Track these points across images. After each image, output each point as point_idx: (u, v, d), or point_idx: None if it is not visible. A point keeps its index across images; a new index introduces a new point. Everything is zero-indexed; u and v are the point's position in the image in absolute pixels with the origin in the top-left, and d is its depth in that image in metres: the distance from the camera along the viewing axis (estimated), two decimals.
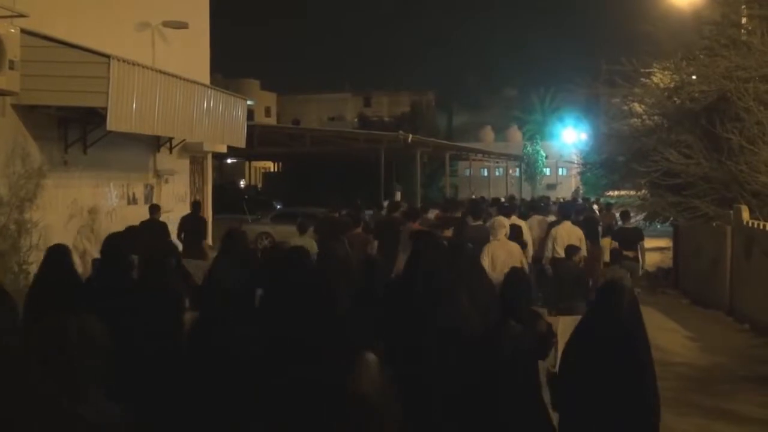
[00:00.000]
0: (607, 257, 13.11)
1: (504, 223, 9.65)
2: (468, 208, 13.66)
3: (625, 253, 12.27)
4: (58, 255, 5.72)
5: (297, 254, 5.06)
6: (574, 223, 12.23)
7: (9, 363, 2.93)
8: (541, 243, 12.17)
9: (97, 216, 11.92)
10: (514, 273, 4.74)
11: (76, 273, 5.92)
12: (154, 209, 13.10)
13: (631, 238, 13.14)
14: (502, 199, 21.36)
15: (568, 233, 11.33)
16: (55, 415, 2.60)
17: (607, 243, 13.55)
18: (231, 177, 50.67)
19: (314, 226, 10.64)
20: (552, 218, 13.99)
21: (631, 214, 15.50)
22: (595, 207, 21.46)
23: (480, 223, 10.64)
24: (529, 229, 12.25)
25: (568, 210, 13.62)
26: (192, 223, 13.66)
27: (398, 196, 26.68)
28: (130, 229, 8.51)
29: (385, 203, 17.30)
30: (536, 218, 13.85)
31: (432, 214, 15.24)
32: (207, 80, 18.35)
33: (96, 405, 2.67)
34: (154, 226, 12.09)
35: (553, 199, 31.49)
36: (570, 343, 4.21)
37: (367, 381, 2.69)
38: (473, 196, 31.26)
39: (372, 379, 2.70)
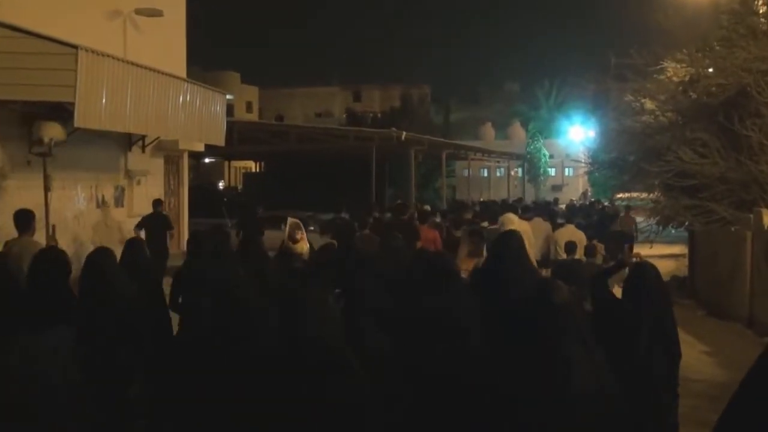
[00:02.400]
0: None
1: (513, 219, 10.55)
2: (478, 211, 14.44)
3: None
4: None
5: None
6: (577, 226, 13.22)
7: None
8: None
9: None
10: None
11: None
12: (158, 203, 15.26)
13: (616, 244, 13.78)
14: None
15: (571, 236, 11.90)
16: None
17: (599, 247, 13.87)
18: (209, 178, 50.61)
19: (335, 227, 11.85)
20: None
21: (642, 219, 15.67)
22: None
23: (495, 227, 11.25)
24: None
25: (571, 213, 14.17)
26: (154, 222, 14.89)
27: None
28: None
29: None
30: (537, 221, 14.25)
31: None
32: (183, 73, 18.36)
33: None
34: (158, 219, 14.76)
35: (563, 202, 31.63)
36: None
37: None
38: (481, 199, 31.44)
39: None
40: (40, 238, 13.35)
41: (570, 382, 3.69)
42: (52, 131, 11.41)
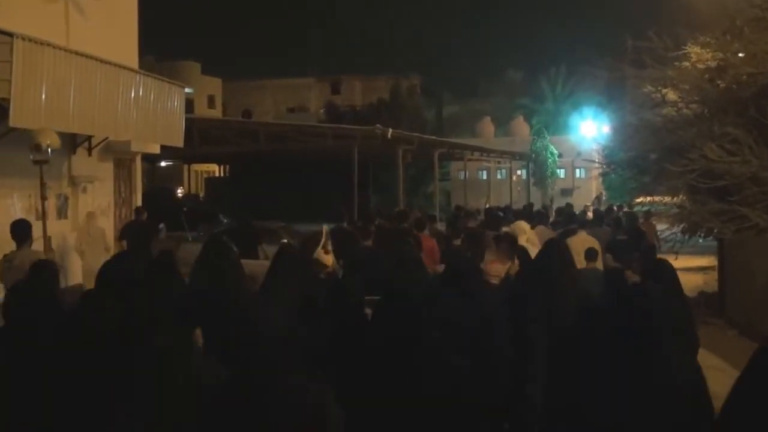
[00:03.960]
0: None
1: (525, 228, 11.22)
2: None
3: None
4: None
5: None
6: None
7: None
8: None
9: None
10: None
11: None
12: (139, 211, 16.93)
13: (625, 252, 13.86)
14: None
15: (583, 244, 11.88)
16: None
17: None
18: (166, 183, 50.53)
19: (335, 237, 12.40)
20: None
21: (665, 226, 15.71)
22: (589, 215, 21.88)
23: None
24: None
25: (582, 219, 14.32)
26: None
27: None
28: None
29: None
30: (541, 229, 14.37)
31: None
32: (135, 63, 18.34)
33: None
34: (141, 226, 15.46)
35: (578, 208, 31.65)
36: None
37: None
38: (487, 205, 31.57)
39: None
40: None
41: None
42: (49, 137, 11.60)
